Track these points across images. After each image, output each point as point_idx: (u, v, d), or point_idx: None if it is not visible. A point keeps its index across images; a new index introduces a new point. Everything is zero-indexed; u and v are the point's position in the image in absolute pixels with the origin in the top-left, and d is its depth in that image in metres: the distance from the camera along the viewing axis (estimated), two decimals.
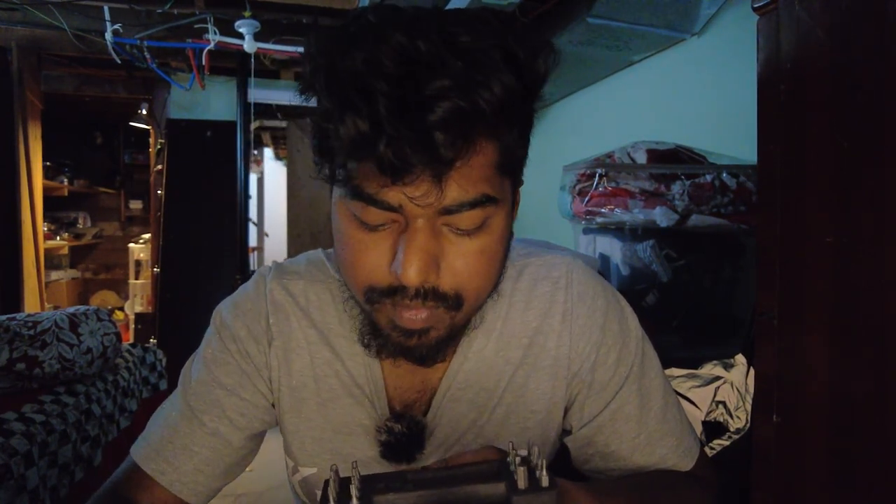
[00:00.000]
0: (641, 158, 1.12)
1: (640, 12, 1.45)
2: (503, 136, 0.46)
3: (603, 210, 1.07)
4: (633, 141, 1.19)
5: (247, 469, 0.66)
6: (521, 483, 0.38)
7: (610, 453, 0.61)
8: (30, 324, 1.45)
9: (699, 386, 0.92)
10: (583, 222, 1.13)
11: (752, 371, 0.92)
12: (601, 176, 1.08)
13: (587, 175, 1.11)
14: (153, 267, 3.47)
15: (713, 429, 0.91)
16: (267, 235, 5.20)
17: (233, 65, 2.95)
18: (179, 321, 3.04)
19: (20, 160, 2.73)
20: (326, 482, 0.39)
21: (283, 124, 3.65)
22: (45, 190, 3.32)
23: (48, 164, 4.03)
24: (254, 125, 3.27)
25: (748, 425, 0.89)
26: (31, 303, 2.82)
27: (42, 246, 2.99)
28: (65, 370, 1.45)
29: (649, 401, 0.62)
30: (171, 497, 0.58)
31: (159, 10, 2.31)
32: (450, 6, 1.58)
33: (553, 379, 0.61)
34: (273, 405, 0.63)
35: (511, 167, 0.49)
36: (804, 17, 0.55)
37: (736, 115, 1.32)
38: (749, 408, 0.90)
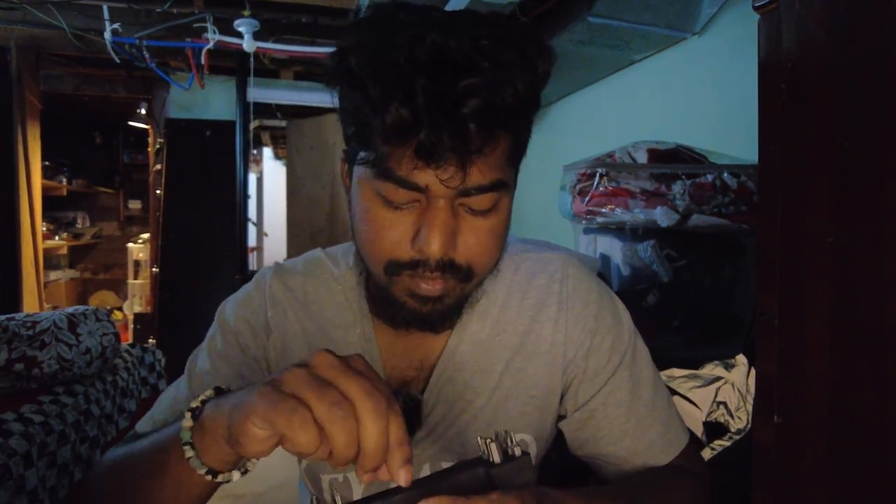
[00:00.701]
0: (642, 158, 1.12)
1: (640, 12, 1.46)
2: (517, 129, 0.52)
3: (603, 210, 1.07)
4: (633, 140, 1.18)
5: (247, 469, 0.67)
6: (496, 458, 0.41)
7: (602, 437, 0.64)
8: (28, 324, 1.44)
9: (700, 386, 0.92)
10: (583, 222, 1.13)
11: (752, 371, 0.91)
12: (602, 176, 1.08)
13: (588, 175, 1.11)
14: (152, 267, 3.47)
15: (714, 429, 0.91)
16: (266, 235, 5.19)
17: (232, 64, 2.93)
18: (178, 321, 3.02)
19: (19, 160, 2.72)
20: None
21: (283, 124, 3.63)
22: (44, 190, 3.31)
23: (47, 163, 4.03)
24: (253, 125, 3.26)
25: (749, 426, 0.89)
26: (30, 303, 2.81)
27: (41, 246, 2.98)
28: (64, 370, 1.45)
29: (640, 389, 0.65)
30: None
31: (158, 10, 2.30)
32: (449, 6, 1.57)
33: (550, 365, 0.65)
34: None
35: (518, 157, 0.55)
36: (805, 16, 0.55)
37: (736, 114, 1.32)
38: (750, 408, 0.90)
